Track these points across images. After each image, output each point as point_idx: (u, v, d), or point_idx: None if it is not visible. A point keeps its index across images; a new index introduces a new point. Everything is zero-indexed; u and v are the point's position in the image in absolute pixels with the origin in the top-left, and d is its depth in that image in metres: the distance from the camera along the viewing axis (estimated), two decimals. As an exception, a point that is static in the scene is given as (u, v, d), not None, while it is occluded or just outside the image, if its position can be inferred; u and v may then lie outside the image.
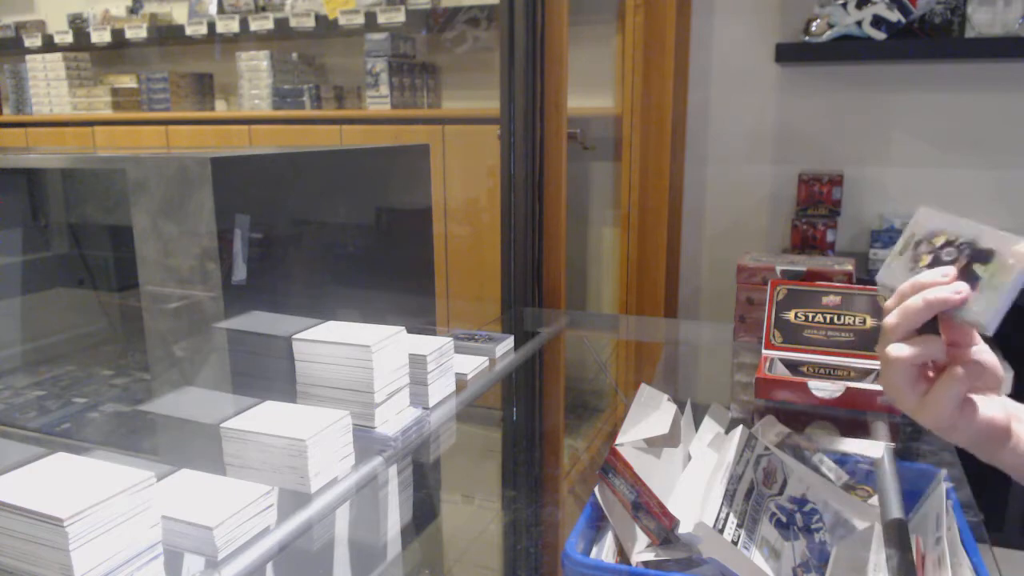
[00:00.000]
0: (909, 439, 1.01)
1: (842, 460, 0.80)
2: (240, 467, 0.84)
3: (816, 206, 2.32)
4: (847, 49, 2.12)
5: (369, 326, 1.00)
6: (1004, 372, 0.57)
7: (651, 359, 1.56)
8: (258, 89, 2.97)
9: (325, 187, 1.10)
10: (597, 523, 0.73)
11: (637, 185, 2.33)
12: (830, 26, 2.09)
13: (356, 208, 1.18)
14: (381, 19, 2.72)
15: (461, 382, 1.16)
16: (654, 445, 0.74)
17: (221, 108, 3.26)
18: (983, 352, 0.60)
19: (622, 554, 0.70)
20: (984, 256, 0.56)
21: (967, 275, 0.56)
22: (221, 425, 0.84)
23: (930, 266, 0.58)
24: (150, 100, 3.14)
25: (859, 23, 2.05)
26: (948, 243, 0.58)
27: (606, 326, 1.85)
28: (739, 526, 0.65)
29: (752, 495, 0.69)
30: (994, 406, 0.60)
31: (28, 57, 3.33)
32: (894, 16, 2.00)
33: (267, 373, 0.96)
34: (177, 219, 0.89)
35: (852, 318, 1.17)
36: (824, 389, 1.09)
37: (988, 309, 0.55)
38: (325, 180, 1.10)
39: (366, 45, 2.77)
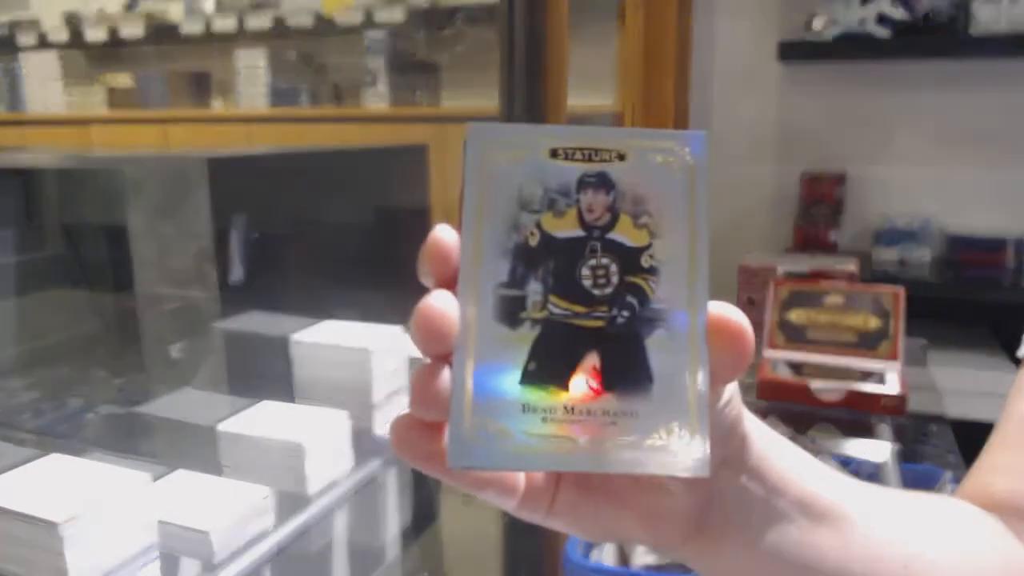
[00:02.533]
0: (913, 441, 1.01)
1: (845, 462, 0.79)
2: (237, 469, 0.83)
3: (819, 205, 2.31)
4: (850, 47, 2.11)
5: (368, 327, 0.99)
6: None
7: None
8: (256, 87, 2.96)
9: (323, 187, 1.09)
10: (599, 526, 0.72)
11: (637, 184, 2.32)
12: (833, 23, 2.09)
13: (354, 208, 1.17)
14: (380, 17, 2.71)
15: (461, 383, 1.15)
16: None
17: (218, 107, 3.25)
18: None
19: (623, 557, 0.69)
20: None
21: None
22: (218, 427, 0.83)
23: None
24: (146, 99, 3.13)
25: (862, 21, 2.04)
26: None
27: (606, 326, 1.84)
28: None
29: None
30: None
31: (22, 55, 3.32)
32: (898, 13, 2.00)
33: (264, 374, 0.96)
34: (174, 219, 0.88)
35: (855, 318, 1.16)
36: (827, 390, 1.08)
37: None
38: (322, 180, 1.10)
39: (365, 43, 2.76)
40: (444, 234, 0.26)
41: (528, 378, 0.26)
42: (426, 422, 0.27)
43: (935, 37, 2.07)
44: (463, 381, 0.26)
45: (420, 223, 1.35)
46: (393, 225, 1.26)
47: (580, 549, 0.67)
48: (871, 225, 2.34)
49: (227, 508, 0.72)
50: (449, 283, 0.26)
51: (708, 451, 0.26)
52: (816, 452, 0.79)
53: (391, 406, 0.99)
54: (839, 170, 2.33)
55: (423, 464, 0.27)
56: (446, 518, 0.91)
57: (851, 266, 1.31)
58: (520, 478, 0.30)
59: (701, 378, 0.27)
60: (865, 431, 1.04)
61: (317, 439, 0.82)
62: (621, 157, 0.27)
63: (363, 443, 0.93)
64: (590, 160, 0.27)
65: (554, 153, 0.27)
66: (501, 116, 1.72)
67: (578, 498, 0.30)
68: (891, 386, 1.07)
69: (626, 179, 0.27)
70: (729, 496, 0.31)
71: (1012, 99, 2.17)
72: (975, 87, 2.20)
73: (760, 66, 2.38)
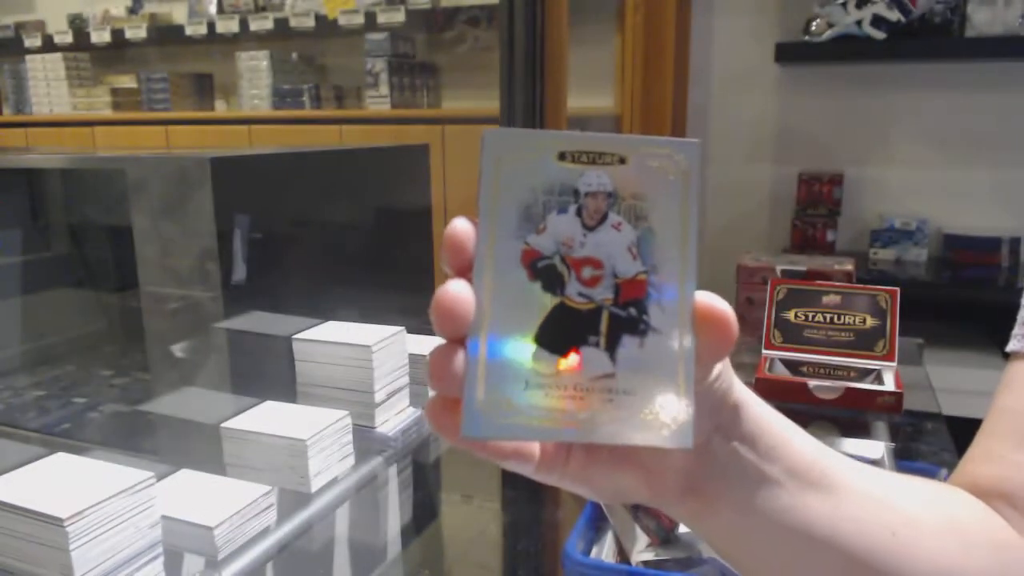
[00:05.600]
0: (909, 439, 1.01)
1: (842, 460, 0.80)
2: (240, 467, 0.84)
3: (816, 206, 2.32)
4: (847, 49, 2.12)
5: (369, 326, 1.00)
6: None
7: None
8: (258, 89, 2.97)
9: (325, 187, 1.10)
10: (597, 523, 0.73)
11: (637, 185, 2.33)
12: (830, 26, 2.09)
13: (356, 208, 1.18)
14: (381, 19, 2.72)
15: (461, 382, 1.16)
16: (654, 445, 0.74)
17: (221, 108, 3.26)
18: None
19: (622, 554, 0.70)
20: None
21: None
22: (221, 425, 0.84)
23: None
24: (150, 100, 3.14)
25: (859, 23, 2.05)
26: None
27: (606, 326, 1.84)
28: (739, 526, 0.65)
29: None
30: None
31: (28, 57, 3.33)
32: (894, 16, 2.00)
33: (267, 373, 0.96)
34: (177, 219, 0.89)
35: (852, 318, 1.17)
36: (824, 389, 1.09)
37: None
38: (325, 180, 1.10)
39: (366, 45, 2.76)
40: (460, 225, 0.29)
41: (534, 356, 0.29)
42: (448, 398, 0.29)
43: (931, 39, 2.08)
44: (475, 359, 0.29)
45: (421, 223, 1.36)
46: (394, 225, 1.27)
47: (580, 547, 0.68)
48: (868, 225, 2.35)
49: (230, 505, 0.73)
50: (466, 271, 0.29)
51: (691, 425, 0.29)
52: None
53: (392, 404, 0.99)
54: (836, 171, 2.34)
55: (450, 437, 0.30)
56: (446, 516, 0.91)
57: (848, 266, 1.32)
58: (535, 446, 0.33)
59: (688, 360, 0.30)
60: (862, 429, 1.04)
61: (319, 437, 0.83)
62: (622, 160, 0.30)
63: (364, 441, 0.94)
64: (594, 163, 0.30)
65: (562, 156, 0.30)
66: (501, 116, 1.73)
67: (588, 461, 0.33)
68: (888, 384, 1.08)
69: (625, 180, 0.30)
70: (722, 460, 0.33)
71: (1007, 101, 2.18)
72: (971, 89, 2.20)
73: (758, 68, 2.39)
